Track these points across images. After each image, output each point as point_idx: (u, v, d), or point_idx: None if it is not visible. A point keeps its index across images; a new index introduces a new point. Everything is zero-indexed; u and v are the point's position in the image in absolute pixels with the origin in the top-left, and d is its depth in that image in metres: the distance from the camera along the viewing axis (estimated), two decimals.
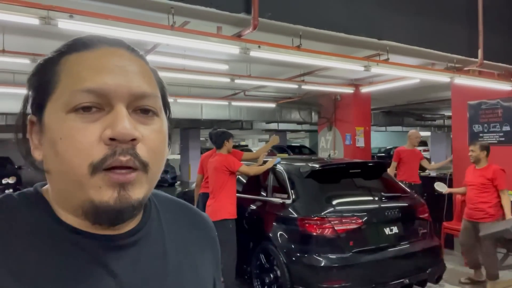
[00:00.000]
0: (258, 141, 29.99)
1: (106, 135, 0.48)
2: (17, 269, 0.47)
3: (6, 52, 4.21)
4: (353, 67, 3.66)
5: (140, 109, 0.52)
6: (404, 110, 12.91)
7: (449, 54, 3.95)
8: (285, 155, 8.45)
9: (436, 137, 20.33)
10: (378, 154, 18.74)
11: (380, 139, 20.85)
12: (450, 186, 5.66)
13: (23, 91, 0.56)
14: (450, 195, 5.62)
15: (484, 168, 4.13)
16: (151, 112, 0.53)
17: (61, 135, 0.48)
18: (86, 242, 0.51)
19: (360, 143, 7.59)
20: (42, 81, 0.52)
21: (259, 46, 2.94)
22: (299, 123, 11.69)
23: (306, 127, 14.54)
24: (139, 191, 0.51)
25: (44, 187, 0.56)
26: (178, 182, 14.86)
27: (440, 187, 4.65)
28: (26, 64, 4.52)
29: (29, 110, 0.53)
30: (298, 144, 20.86)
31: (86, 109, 0.49)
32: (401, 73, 4.01)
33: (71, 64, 0.51)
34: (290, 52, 3.11)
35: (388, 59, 3.66)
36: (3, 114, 9.28)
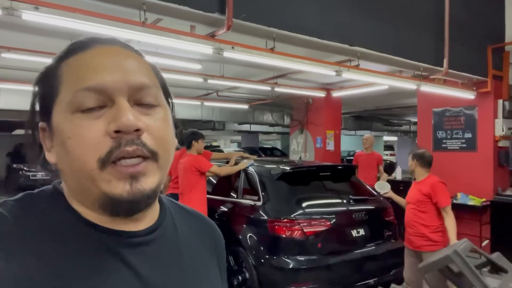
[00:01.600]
0: (230, 142, 29.90)
1: (110, 128, 0.49)
2: (40, 263, 0.48)
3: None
4: (325, 72, 3.72)
5: (143, 103, 0.54)
6: (373, 115, 13.27)
7: (416, 62, 4.09)
8: (255, 157, 8.45)
9: (402, 141, 21.03)
10: (348, 157, 19.12)
11: (350, 142, 21.31)
12: None
13: None
14: None
15: (421, 181, 3.34)
16: (153, 105, 0.55)
17: (69, 135, 0.50)
18: (106, 238, 0.53)
19: (330, 146, 7.72)
20: (46, 88, 0.54)
21: (232, 47, 2.93)
22: (271, 125, 11.75)
23: (278, 129, 14.64)
24: (152, 180, 0.52)
25: (62, 184, 0.57)
26: None
27: (381, 187, 3.77)
28: None
29: (38, 118, 0.56)
30: (270, 146, 20.98)
31: (90, 109, 0.51)
32: (370, 79, 4.11)
33: (70, 67, 0.53)
34: (264, 54, 3.12)
35: (358, 65, 3.75)
36: None
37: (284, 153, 18.37)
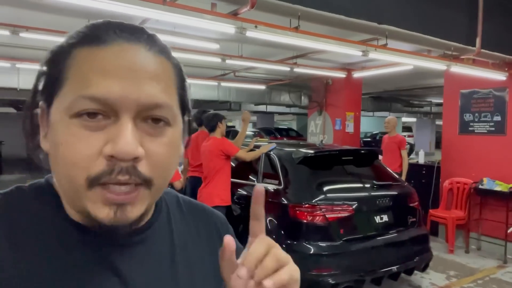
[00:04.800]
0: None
1: (106, 151, 0.45)
2: (22, 264, 0.46)
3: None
4: (350, 52, 3.54)
5: (151, 118, 0.48)
6: (393, 96, 12.94)
7: (447, 41, 3.88)
8: (267, 140, 8.32)
9: (422, 123, 20.59)
10: (364, 139, 18.85)
11: (368, 124, 20.96)
12: (437, 175, 5.71)
13: None
14: (438, 184, 5.68)
15: None
16: (163, 122, 0.49)
17: (62, 140, 0.46)
18: (92, 240, 0.50)
19: (350, 128, 7.55)
20: (53, 73, 0.49)
21: (256, 26, 2.79)
22: (288, 106, 11.58)
23: (294, 110, 14.45)
24: (139, 209, 0.48)
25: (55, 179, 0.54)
26: None
27: None
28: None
29: (40, 97, 0.51)
30: (286, 127, 20.82)
31: (91, 115, 0.45)
32: (398, 59, 3.91)
33: (80, 60, 0.47)
34: (288, 34, 2.97)
35: (386, 44, 3.56)
36: None
37: (299, 134, 18.23)
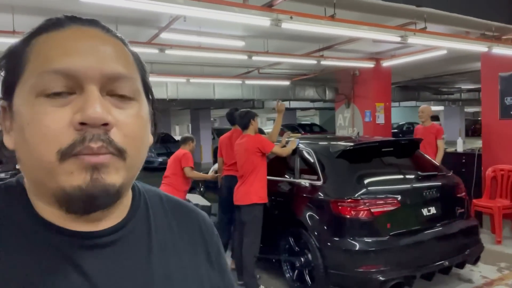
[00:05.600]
0: (267, 120, 29.72)
1: (75, 119, 0.44)
2: None
3: (16, 33, 4.00)
4: (388, 38, 3.39)
5: (116, 94, 0.48)
6: (421, 84, 12.53)
7: (488, 21, 3.67)
8: (298, 135, 8.19)
9: (450, 111, 19.96)
10: (392, 130, 18.43)
11: (394, 114, 20.50)
12: (478, 163, 5.45)
13: None
14: (479, 172, 5.43)
15: None
16: (127, 97, 0.49)
17: (28, 120, 0.45)
18: (60, 239, 0.48)
19: (380, 119, 7.33)
20: (11, 64, 0.49)
21: (291, 17, 2.69)
22: (312, 100, 11.40)
23: (317, 104, 14.24)
24: (115, 177, 0.47)
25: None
26: None
27: None
28: None
29: None
30: (308, 122, 20.60)
31: (57, 94, 0.45)
32: (437, 43, 3.72)
33: (40, 45, 0.48)
34: (324, 23, 2.85)
35: (425, 27, 3.39)
36: None
37: (323, 129, 17.99)
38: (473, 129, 22.54)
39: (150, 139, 0.55)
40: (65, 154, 0.44)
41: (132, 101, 0.50)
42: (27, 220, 0.49)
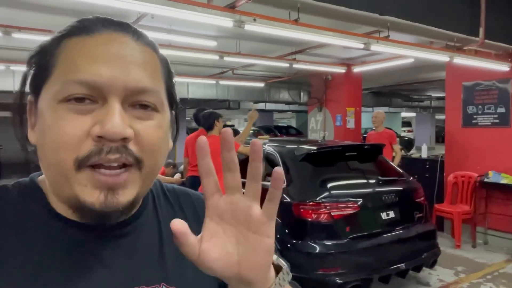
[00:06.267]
0: (244, 121, 29.74)
1: (94, 132, 0.45)
2: (8, 261, 0.46)
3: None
4: (352, 44, 3.45)
5: (139, 104, 0.49)
6: (393, 91, 12.84)
7: (450, 32, 3.78)
8: (267, 136, 8.16)
9: (421, 118, 20.51)
10: (364, 135, 18.79)
11: (367, 120, 20.90)
12: (441, 169, 5.62)
13: None
14: (442, 178, 5.60)
15: None
16: (150, 108, 0.49)
17: (50, 125, 0.46)
18: (79, 234, 0.50)
19: (351, 124, 7.46)
20: (41, 63, 0.50)
21: (254, 19, 2.69)
22: (287, 103, 11.48)
23: (293, 107, 14.37)
24: (130, 192, 0.48)
25: (40, 177, 0.54)
26: None
27: None
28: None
29: (28, 89, 0.51)
30: (285, 125, 20.72)
31: (79, 100, 0.46)
32: (400, 51, 3.82)
33: (69, 49, 0.48)
34: (287, 27, 2.87)
35: (388, 36, 3.47)
36: None
37: (299, 132, 18.14)
38: (443, 136, 23.27)
39: (170, 144, 0.56)
40: (81, 164, 0.45)
41: (154, 112, 0.50)
42: (44, 215, 0.50)
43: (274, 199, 0.46)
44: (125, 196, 0.47)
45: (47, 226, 0.50)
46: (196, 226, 0.58)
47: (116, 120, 0.45)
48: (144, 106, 0.49)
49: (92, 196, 0.46)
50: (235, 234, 0.44)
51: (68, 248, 0.49)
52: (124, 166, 0.47)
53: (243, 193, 0.46)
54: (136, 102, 0.48)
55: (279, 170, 0.45)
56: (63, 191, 0.48)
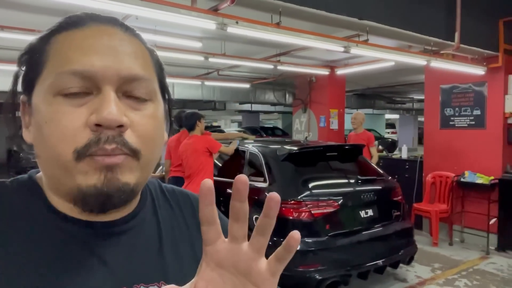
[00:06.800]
0: (231, 122, 29.74)
1: (91, 120, 0.46)
2: (7, 257, 0.45)
3: None
4: (332, 47, 3.55)
5: (132, 95, 0.49)
6: (376, 93, 13.07)
7: (427, 37, 3.92)
8: (254, 137, 8.23)
9: (404, 119, 20.88)
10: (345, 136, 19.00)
11: (350, 121, 21.14)
12: (420, 170, 5.79)
13: None
14: (421, 178, 5.76)
15: None
16: (143, 99, 0.50)
17: (46, 119, 0.46)
18: (78, 230, 0.50)
19: (334, 125, 7.59)
20: (32, 61, 0.50)
21: (236, 22, 2.76)
22: (273, 104, 11.58)
23: (279, 108, 14.47)
24: (129, 176, 0.48)
25: (38, 174, 0.54)
26: None
27: None
28: None
29: (20, 88, 0.51)
30: (271, 126, 20.84)
31: (74, 95, 0.47)
32: (379, 54, 3.94)
33: (59, 43, 0.49)
34: (269, 30, 2.95)
35: (367, 40, 3.58)
36: None
37: (285, 133, 18.26)
38: None
39: (165, 137, 0.56)
40: (81, 154, 0.46)
41: (147, 102, 0.51)
42: (43, 212, 0.50)
43: (283, 260, 0.42)
44: (125, 177, 0.48)
45: (45, 223, 0.50)
46: (194, 230, 0.62)
47: (112, 107, 0.46)
48: (137, 98, 0.50)
49: (93, 179, 0.46)
50: (233, 282, 0.41)
51: (67, 245, 0.49)
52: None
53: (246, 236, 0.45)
54: (129, 93, 0.49)
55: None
56: (64, 184, 0.48)
